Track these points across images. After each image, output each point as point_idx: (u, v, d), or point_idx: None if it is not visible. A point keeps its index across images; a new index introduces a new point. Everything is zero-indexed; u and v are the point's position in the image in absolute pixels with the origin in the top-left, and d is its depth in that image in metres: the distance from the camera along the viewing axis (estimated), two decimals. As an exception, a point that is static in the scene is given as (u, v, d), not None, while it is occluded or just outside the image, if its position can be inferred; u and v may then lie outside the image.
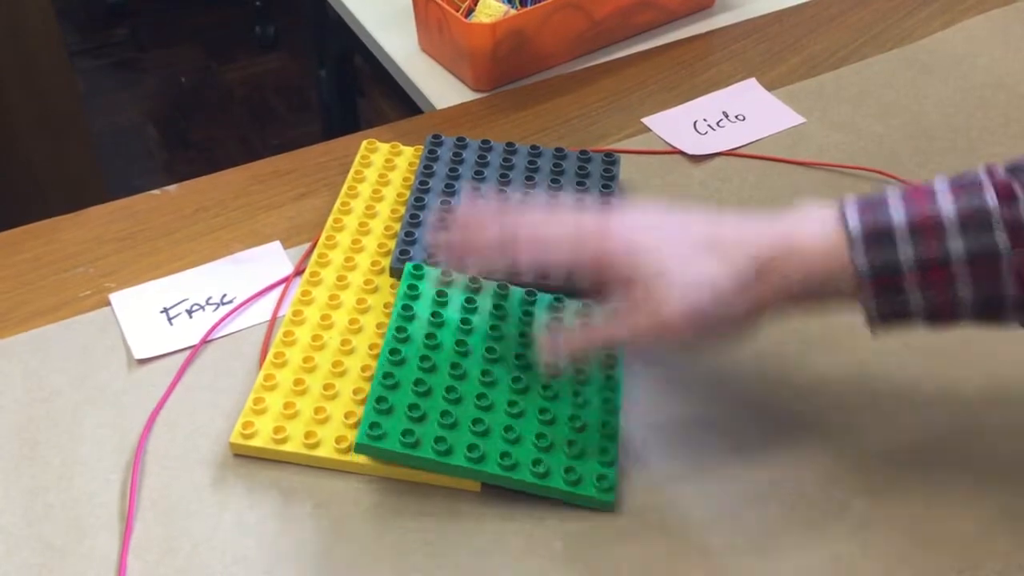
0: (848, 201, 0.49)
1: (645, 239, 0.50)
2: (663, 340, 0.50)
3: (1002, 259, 0.46)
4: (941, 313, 0.48)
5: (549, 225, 0.53)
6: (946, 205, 0.47)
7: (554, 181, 0.70)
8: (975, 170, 0.49)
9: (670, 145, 0.77)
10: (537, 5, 0.82)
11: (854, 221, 0.48)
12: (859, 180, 0.73)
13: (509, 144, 0.73)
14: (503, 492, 0.53)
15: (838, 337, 0.62)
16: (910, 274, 0.47)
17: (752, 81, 0.83)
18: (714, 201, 0.72)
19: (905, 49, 0.87)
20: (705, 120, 0.79)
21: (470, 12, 0.84)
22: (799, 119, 0.79)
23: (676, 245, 0.50)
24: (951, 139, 0.77)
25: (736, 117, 0.79)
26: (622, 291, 0.50)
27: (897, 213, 0.48)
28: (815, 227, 0.49)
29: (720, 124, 0.78)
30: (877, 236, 0.47)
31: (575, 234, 0.52)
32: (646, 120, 0.79)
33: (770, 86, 0.83)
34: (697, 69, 0.85)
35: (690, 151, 0.76)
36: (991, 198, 0.47)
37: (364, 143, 0.74)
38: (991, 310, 0.48)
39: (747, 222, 0.51)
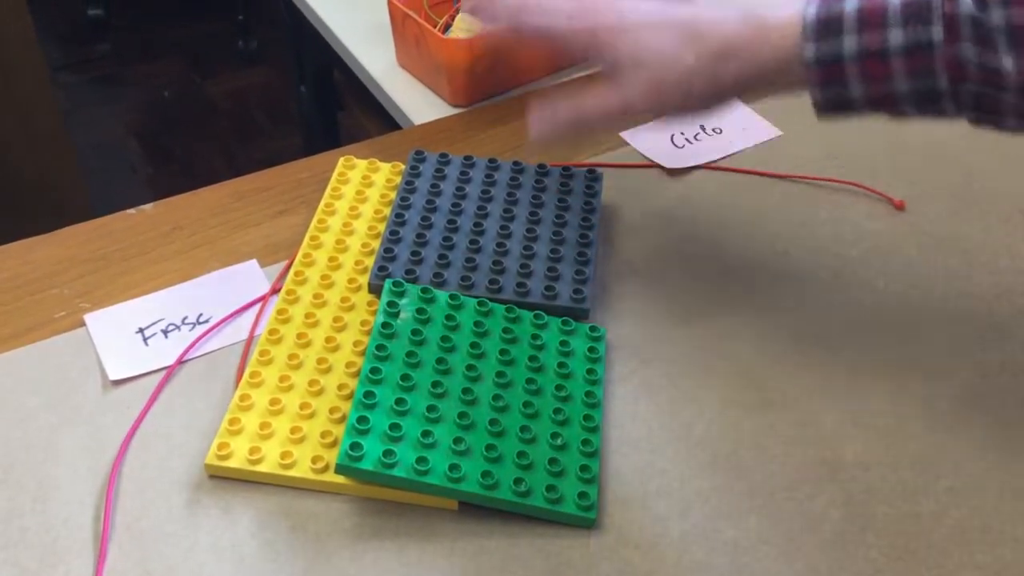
0: None
1: (631, 20, 0.56)
2: (629, 112, 0.57)
3: (935, 52, 0.48)
4: (881, 103, 0.51)
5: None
6: None
7: (535, 197, 0.70)
8: None
9: (648, 159, 0.77)
10: (514, 20, 0.82)
11: (811, 10, 0.51)
12: (836, 193, 0.74)
13: (491, 160, 0.73)
14: (481, 510, 0.53)
15: (813, 348, 0.62)
16: (850, 65, 0.50)
17: (729, 94, 0.83)
18: (691, 215, 0.72)
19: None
20: (682, 134, 0.79)
21: (447, 28, 0.84)
22: (776, 132, 0.79)
23: (656, 29, 0.56)
24: (930, 151, 0.78)
25: (713, 130, 0.79)
26: (604, 67, 0.57)
27: (851, 2, 0.50)
28: (782, 15, 0.53)
29: (697, 137, 0.79)
30: (827, 26, 0.50)
31: (575, 7, 0.58)
32: (624, 134, 0.79)
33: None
34: (675, 82, 0.85)
35: (668, 164, 0.76)
36: None
37: (341, 160, 0.74)
38: (929, 103, 0.50)
39: (726, 12, 0.55)
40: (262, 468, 0.54)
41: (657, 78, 0.55)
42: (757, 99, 0.56)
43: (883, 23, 0.49)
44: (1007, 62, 0.47)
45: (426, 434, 0.53)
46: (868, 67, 0.50)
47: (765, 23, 0.53)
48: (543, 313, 0.62)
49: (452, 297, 0.62)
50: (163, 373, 0.60)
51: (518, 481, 0.52)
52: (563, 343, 0.60)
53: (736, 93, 0.56)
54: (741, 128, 0.80)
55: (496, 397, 0.56)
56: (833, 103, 0.52)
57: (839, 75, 0.50)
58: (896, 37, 0.49)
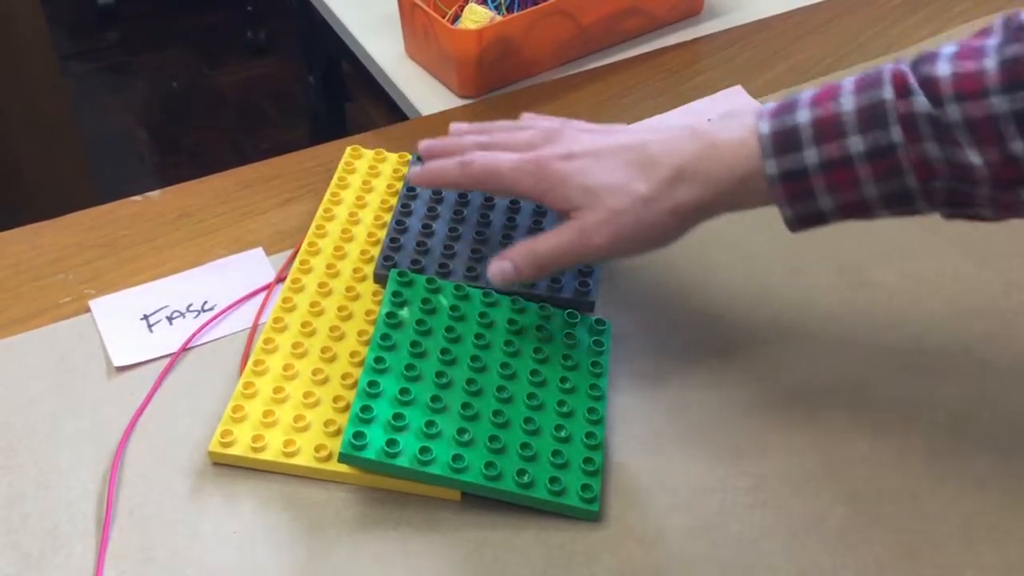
0: (767, 106, 0.51)
1: (578, 166, 0.54)
2: (591, 256, 0.55)
3: (899, 153, 0.47)
4: (853, 210, 0.50)
5: (503, 149, 0.57)
6: (847, 102, 0.48)
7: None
8: (882, 65, 0.49)
9: (656, 152, 0.76)
10: (524, 11, 0.82)
11: (765, 126, 0.50)
12: (845, 188, 0.73)
13: (496, 151, 0.72)
14: (483, 501, 0.53)
15: (822, 344, 0.62)
16: (816, 177, 0.48)
17: (738, 88, 0.83)
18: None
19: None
20: (691, 127, 0.79)
21: (456, 18, 0.84)
22: (785, 126, 0.79)
23: (606, 170, 0.53)
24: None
25: (722, 124, 0.79)
26: (558, 204, 0.55)
27: (803, 114, 0.49)
28: (734, 133, 0.51)
29: (706, 131, 0.78)
30: (784, 140, 0.49)
31: (519, 162, 0.55)
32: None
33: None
34: (684, 76, 0.85)
35: (676, 158, 0.76)
36: (888, 92, 0.47)
37: (348, 149, 0.74)
38: (901, 204, 0.49)
39: (675, 132, 0.53)
40: (265, 456, 0.54)
41: (611, 209, 0.52)
42: (720, 215, 0.54)
43: (841, 131, 0.48)
44: (974, 157, 0.46)
45: (430, 424, 0.53)
46: (834, 177, 0.48)
47: (716, 141, 0.51)
48: (548, 305, 0.62)
49: (457, 288, 0.61)
50: (167, 360, 0.60)
51: (521, 472, 0.52)
52: (568, 335, 0.60)
53: (697, 216, 0.53)
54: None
55: (500, 388, 0.56)
56: (804, 218, 0.50)
57: (806, 188, 0.49)
58: (856, 144, 0.47)
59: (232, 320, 0.62)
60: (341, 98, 1.24)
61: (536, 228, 0.66)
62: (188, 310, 0.63)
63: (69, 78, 2.20)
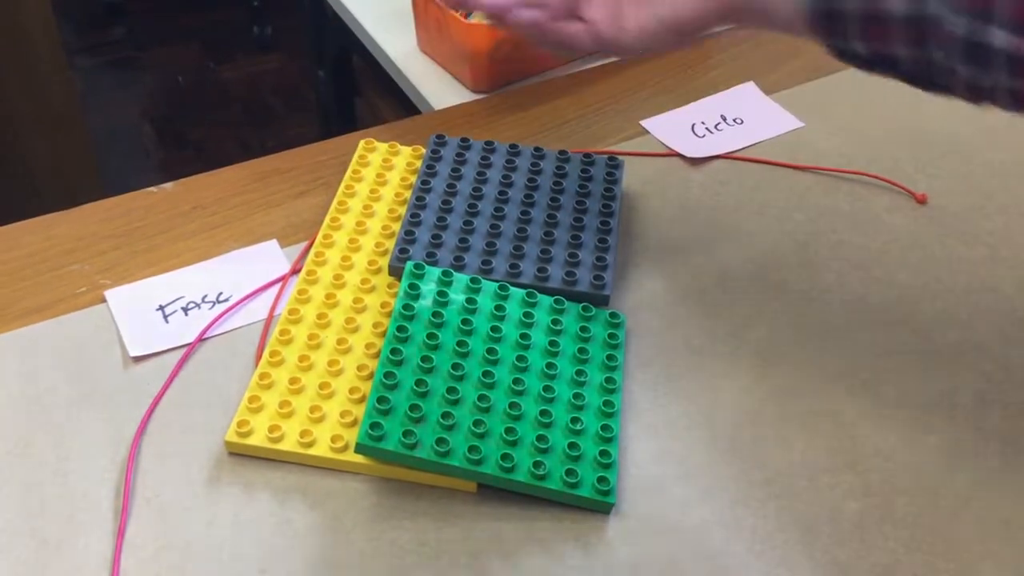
0: None
1: None
2: (620, 46, 0.58)
3: None
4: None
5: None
6: None
7: (556, 184, 0.70)
8: None
9: (668, 148, 0.77)
10: (537, 6, 0.82)
11: None
12: (857, 184, 0.74)
13: (512, 145, 0.73)
14: (499, 493, 0.53)
15: (835, 338, 0.62)
16: None
17: (751, 85, 0.83)
18: (711, 204, 0.72)
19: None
20: (703, 123, 0.79)
21: (469, 13, 0.84)
22: (797, 123, 0.79)
23: None
24: (951, 144, 0.77)
25: (734, 120, 0.79)
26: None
27: None
28: None
29: (718, 127, 0.78)
30: None
31: None
32: (644, 123, 0.79)
33: (769, 90, 0.83)
34: (696, 72, 0.85)
35: (688, 154, 0.76)
36: None
37: (362, 142, 0.74)
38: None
39: None
40: (282, 446, 0.54)
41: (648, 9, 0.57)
42: (739, 16, 0.55)
43: None
44: None
45: (446, 416, 0.53)
46: None
47: None
48: (563, 299, 0.62)
49: (472, 281, 0.62)
50: (183, 350, 0.60)
51: (537, 465, 0.52)
52: (583, 329, 0.60)
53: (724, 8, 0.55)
54: (762, 119, 0.79)
55: (516, 381, 0.56)
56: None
57: None
58: None
59: (247, 311, 0.63)
60: (351, 93, 1.24)
61: (550, 222, 0.67)
62: (204, 301, 0.63)
63: (76, 73, 2.20)
